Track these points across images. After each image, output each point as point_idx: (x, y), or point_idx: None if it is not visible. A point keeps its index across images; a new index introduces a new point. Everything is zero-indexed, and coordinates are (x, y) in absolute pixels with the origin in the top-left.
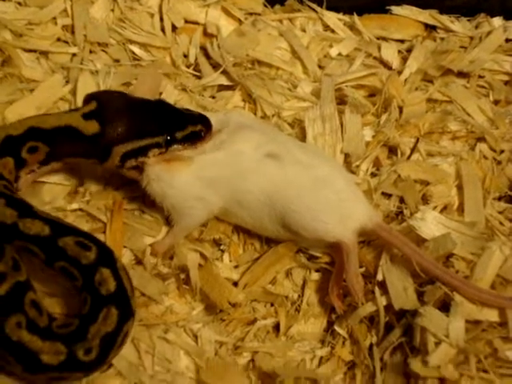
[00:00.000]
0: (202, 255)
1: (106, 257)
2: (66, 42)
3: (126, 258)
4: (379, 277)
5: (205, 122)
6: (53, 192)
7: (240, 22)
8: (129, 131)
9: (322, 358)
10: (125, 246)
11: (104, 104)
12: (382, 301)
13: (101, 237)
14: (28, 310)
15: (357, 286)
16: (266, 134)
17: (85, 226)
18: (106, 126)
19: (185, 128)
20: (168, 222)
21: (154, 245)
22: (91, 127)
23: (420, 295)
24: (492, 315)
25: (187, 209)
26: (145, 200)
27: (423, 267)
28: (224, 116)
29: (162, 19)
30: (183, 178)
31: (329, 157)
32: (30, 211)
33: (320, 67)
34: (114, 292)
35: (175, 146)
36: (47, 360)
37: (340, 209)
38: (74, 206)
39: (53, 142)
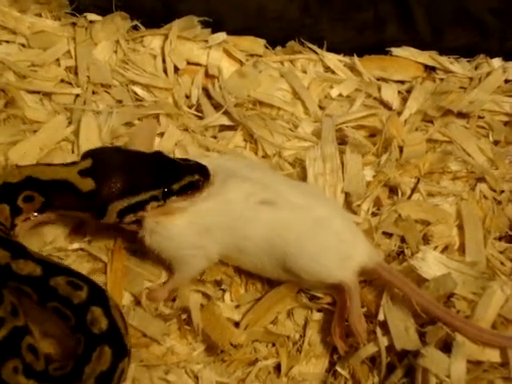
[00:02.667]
0: (204, 295)
1: (98, 296)
2: (70, 83)
3: (126, 299)
4: (380, 317)
5: (202, 171)
6: (54, 232)
7: (241, 63)
8: (124, 188)
9: None
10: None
11: (99, 161)
12: (384, 341)
13: (102, 277)
14: (25, 355)
15: (360, 327)
16: (258, 181)
17: (86, 265)
18: (101, 183)
19: (182, 179)
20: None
21: (154, 292)
22: (87, 184)
23: (422, 335)
24: (493, 355)
25: (186, 257)
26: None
27: (424, 307)
28: (216, 161)
29: (164, 61)
30: (178, 229)
31: (327, 197)
32: (23, 252)
33: (321, 108)
34: (106, 331)
35: (173, 198)
36: None
37: (340, 250)
38: (75, 245)
39: (49, 194)
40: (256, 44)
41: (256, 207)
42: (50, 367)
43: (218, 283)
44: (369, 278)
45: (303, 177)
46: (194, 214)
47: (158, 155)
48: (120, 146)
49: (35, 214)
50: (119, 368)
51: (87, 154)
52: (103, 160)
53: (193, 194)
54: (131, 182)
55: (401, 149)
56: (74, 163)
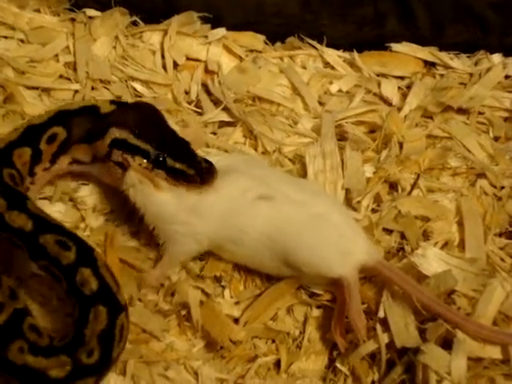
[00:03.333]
0: (204, 292)
1: (86, 256)
2: (68, 79)
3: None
4: (381, 314)
5: (205, 173)
6: None
7: (241, 59)
8: (133, 126)
9: None
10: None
11: (136, 104)
12: (384, 338)
13: None
14: (28, 335)
15: (359, 323)
16: (256, 177)
17: None
18: (118, 109)
19: (180, 162)
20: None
21: (146, 276)
22: (109, 108)
23: (422, 332)
24: (494, 352)
25: (173, 233)
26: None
27: (424, 304)
28: (215, 158)
29: (163, 56)
30: (162, 198)
31: (326, 193)
32: (21, 204)
33: (320, 103)
34: (97, 291)
35: (159, 171)
36: (55, 374)
37: (340, 244)
38: None
39: (71, 125)
40: (255, 40)
41: (254, 202)
42: (54, 341)
43: (217, 280)
44: (369, 275)
45: (303, 173)
46: (184, 193)
47: (185, 141)
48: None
49: (49, 164)
50: (117, 324)
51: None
52: (140, 105)
53: (177, 182)
54: (142, 128)
55: (401, 145)
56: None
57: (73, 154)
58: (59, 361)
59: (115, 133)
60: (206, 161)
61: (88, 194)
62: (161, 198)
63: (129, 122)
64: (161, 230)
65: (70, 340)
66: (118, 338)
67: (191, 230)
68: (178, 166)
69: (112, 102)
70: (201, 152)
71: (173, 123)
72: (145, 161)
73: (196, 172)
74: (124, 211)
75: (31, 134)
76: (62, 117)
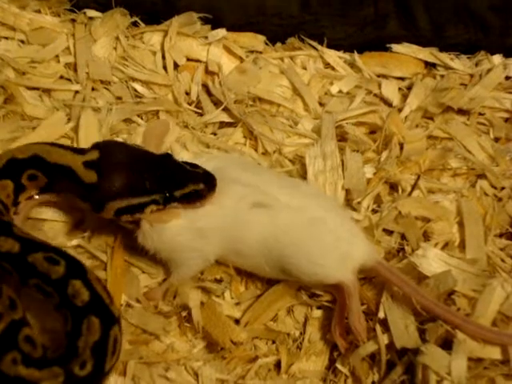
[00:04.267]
0: (204, 293)
1: (76, 269)
2: (69, 80)
3: (126, 296)
4: (380, 314)
5: (209, 180)
6: (54, 229)
7: (241, 59)
8: (125, 188)
9: None
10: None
11: (106, 155)
12: (384, 339)
13: (101, 274)
14: (22, 346)
15: (359, 327)
16: (250, 183)
17: (86, 262)
18: (103, 179)
19: (185, 186)
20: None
21: (151, 291)
22: (89, 176)
23: (422, 333)
24: (494, 353)
25: (182, 259)
26: None
27: (424, 306)
28: (209, 163)
29: (164, 57)
30: (172, 232)
31: (324, 195)
32: (6, 229)
33: (321, 104)
34: (89, 301)
35: (174, 204)
36: None
37: (338, 249)
38: (75, 242)
39: (52, 176)
40: (256, 40)
41: (249, 210)
42: (48, 352)
43: (218, 281)
44: (368, 276)
45: (303, 174)
46: (188, 218)
47: (167, 158)
48: (130, 143)
49: (38, 193)
50: (111, 336)
51: (96, 146)
52: (110, 155)
53: (194, 203)
54: (134, 183)
55: (401, 145)
56: (82, 151)
57: (64, 196)
58: (52, 372)
59: (114, 205)
60: (193, 165)
61: None
62: (169, 234)
63: (120, 187)
64: (174, 259)
65: (64, 352)
66: (112, 350)
67: (202, 254)
68: (186, 190)
69: (86, 164)
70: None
71: (173, 124)
72: (155, 207)
73: (204, 185)
74: None
75: (13, 167)
76: (39, 164)
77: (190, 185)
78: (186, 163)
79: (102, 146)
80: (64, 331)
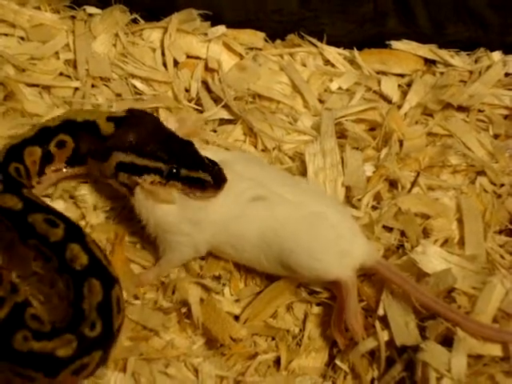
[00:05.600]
0: (204, 289)
1: (74, 233)
2: (69, 77)
3: (125, 292)
4: (380, 312)
5: (218, 178)
6: None
7: (241, 56)
8: (136, 145)
9: None
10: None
11: (132, 117)
12: (384, 336)
13: None
14: (30, 324)
15: (356, 326)
16: (251, 177)
17: None
18: (118, 130)
19: (195, 170)
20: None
21: (140, 275)
22: (108, 128)
23: (421, 330)
24: (494, 350)
25: (173, 243)
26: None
27: (424, 304)
28: (210, 154)
29: (163, 54)
30: (166, 211)
31: (324, 193)
32: (16, 189)
33: (320, 101)
34: (88, 265)
35: (175, 183)
36: (63, 353)
37: (338, 245)
38: None
39: (79, 138)
40: (256, 37)
41: (248, 204)
42: (56, 325)
43: (217, 278)
44: (368, 273)
45: (303, 171)
46: (185, 203)
47: (189, 143)
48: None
49: (64, 166)
50: (113, 296)
51: (128, 110)
52: (136, 117)
53: (195, 191)
54: (146, 144)
55: (401, 142)
56: (111, 112)
57: (87, 166)
58: (64, 339)
59: (119, 157)
60: (212, 162)
61: (88, 192)
62: (164, 209)
63: (131, 143)
64: (162, 238)
65: (71, 318)
66: (117, 310)
67: (191, 240)
68: (193, 174)
69: (109, 118)
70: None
71: (172, 121)
72: (157, 177)
73: (212, 178)
74: (124, 209)
75: (44, 135)
76: (68, 126)
77: (199, 171)
78: (207, 158)
79: (133, 111)
80: (67, 297)
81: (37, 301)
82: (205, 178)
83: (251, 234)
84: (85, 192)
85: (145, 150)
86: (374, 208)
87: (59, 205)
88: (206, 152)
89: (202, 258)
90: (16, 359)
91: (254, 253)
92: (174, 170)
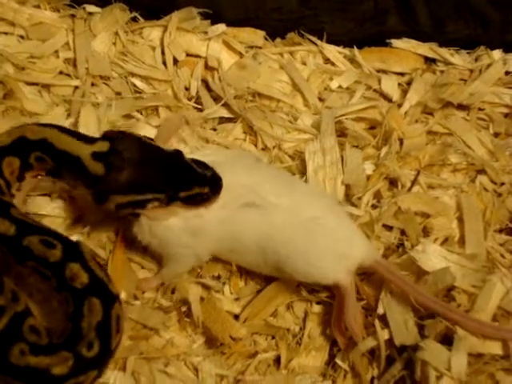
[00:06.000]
0: (204, 288)
1: (73, 251)
2: (68, 75)
3: (125, 291)
4: (379, 311)
5: (215, 184)
6: (53, 224)
7: (241, 55)
8: (131, 184)
9: None
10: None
11: (115, 149)
12: (383, 334)
13: None
14: (28, 337)
15: (355, 327)
16: (245, 183)
17: None
18: (109, 173)
19: (192, 188)
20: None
21: (142, 281)
22: (97, 168)
23: (421, 328)
24: (495, 348)
25: (175, 255)
26: None
27: (423, 303)
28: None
29: (163, 52)
30: (166, 226)
31: (322, 193)
32: (4, 211)
33: (320, 100)
34: (88, 283)
35: (176, 204)
36: (59, 371)
37: (335, 250)
38: (74, 238)
39: (59, 162)
40: (256, 35)
41: (244, 210)
42: (53, 338)
43: (216, 278)
44: (367, 272)
45: (303, 169)
46: (183, 216)
47: (176, 156)
48: (141, 136)
49: (45, 175)
50: (113, 315)
51: (107, 136)
52: (120, 149)
53: (197, 206)
54: (140, 180)
55: (401, 141)
56: (91, 140)
57: (69, 183)
58: (61, 357)
59: (117, 199)
60: (202, 166)
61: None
62: (165, 226)
63: (127, 183)
64: (164, 252)
65: (69, 335)
66: (116, 329)
67: (194, 251)
68: (191, 193)
69: (95, 156)
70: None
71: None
72: (158, 203)
73: (209, 188)
74: None
75: (22, 146)
76: (48, 148)
77: (195, 187)
78: (196, 162)
79: (113, 138)
80: (66, 313)
81: (36, 303)
82: (202, 191)
83: (248, 240)
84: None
85: (141, 187)
86: (374, 207)
87: (58, 203)
88: (204, 154)
89: None
90: (12, 373)
91: (252, 257)
92: (172, 195)
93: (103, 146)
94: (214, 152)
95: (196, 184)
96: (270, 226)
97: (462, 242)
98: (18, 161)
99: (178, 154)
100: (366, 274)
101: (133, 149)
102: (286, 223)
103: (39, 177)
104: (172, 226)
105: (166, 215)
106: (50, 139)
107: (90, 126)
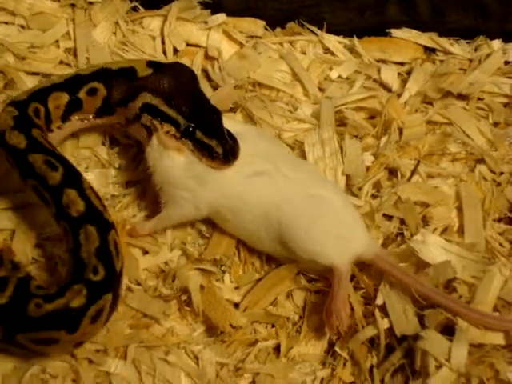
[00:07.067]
0: (204, 276)
1: (72, 177)
2: (69, 65)
3: (126, 279)
4: (379, 301)
5: (229, 153)
6: None
7: (241, 44)
8: (166, 93)
9: (322, 379)
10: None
11: (173, 67)
12: (383, 324)
13: None
14: (37, 293)
15: (343, 313)
16: (260, 152)
17: None
18: (154, 74)
19: (209, 137)
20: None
21: (136, 225)
22: (145, 71)
23: (421, 318)
24: (496, 338)
25: (176, 197)
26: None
27: (424, 295)
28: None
29: (163, 42)
30: (176, 162)
31: (328, 179)
32: (26, 127)
33: (320, 89)
34: (84, 211)
35: (188, 141)
36: (77, 303)
37: (337, 230)
38: None
39: (111, 85)
40: (256, 25)
41: (255, 176)
42: (61, 283)
43: (217, 264)
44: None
45: (303, 158)
46: (194, 159)
47: (216, 111)
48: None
49: (94, 115)
50: (110, 240)
51: (174, 62)
52: (176, 69)
53: (202, 156)
54: (174, 96)
55: (400, 131)
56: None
57: (116, 115)
58: (74, 291)
59: (147, 97)
60: (231, 137)
61: (90, 179)
62: (173, 161)
63: (162, 88)
64: (166, 191)
65: (73, 270)
66: (115, 252)
67: (194, 197)
68: (206, 140)
69: (149, 63)
70: None
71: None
72: (173, 129)
73: (223, 151)
74: (126, 198)
75: (74, 82)
76: (103, 74)
77: (213, 140)
78: (228, 131)
79: (176, 63)
80: (66, 243)
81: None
82: (216, 148)
83: (253, 204)
84: (88, 179)
85: (171, 99)
86: (374, 196)
87: None
88: (234, 123)
89: (202, 245)
90: (35, 326)
91: (254, 225)
92: (191, 129)
93: (160, 62)
94: (239, 124)
95: (216, 138)
96: (279, 194)
97: (461, 231)
98: (66, 95)
99: (218, 111)
100: (365, 264)
101: (187, 77)
102: (294, 195)
103: (85, 121)
104: (179, 164)
105: (174, 147)
106: (107, 65)
107: None
